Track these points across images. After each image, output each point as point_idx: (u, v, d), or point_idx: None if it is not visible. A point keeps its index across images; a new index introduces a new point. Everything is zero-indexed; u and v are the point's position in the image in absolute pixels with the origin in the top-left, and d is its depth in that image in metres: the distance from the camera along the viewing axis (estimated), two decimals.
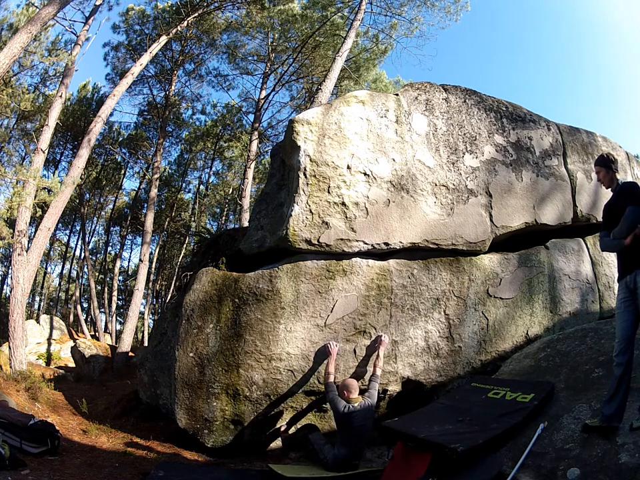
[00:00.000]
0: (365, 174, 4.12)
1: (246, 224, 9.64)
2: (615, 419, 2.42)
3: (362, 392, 3.73)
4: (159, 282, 22.91)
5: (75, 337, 13.57)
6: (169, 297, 18.62)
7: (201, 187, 20.53)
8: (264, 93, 13.22)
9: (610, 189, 2.89)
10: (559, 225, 5.13)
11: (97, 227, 22.43)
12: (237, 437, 3.85)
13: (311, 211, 3.90)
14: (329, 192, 3.98)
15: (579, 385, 3.09)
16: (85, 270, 19.01)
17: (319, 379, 3.85)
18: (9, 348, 6.54)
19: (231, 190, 20.22)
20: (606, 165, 2.83)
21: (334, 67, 8.82)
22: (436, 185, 4.42)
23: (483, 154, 4.79)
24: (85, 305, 23.96)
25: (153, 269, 19.38)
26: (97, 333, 15.68)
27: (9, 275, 15.84)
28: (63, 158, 16.63)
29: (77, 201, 16.66)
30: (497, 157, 4.86)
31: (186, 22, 10.78)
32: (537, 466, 2.49)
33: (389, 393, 4.08)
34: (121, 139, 17.42)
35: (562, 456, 2.47)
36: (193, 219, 19.26)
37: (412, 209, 4.24)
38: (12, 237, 6.60)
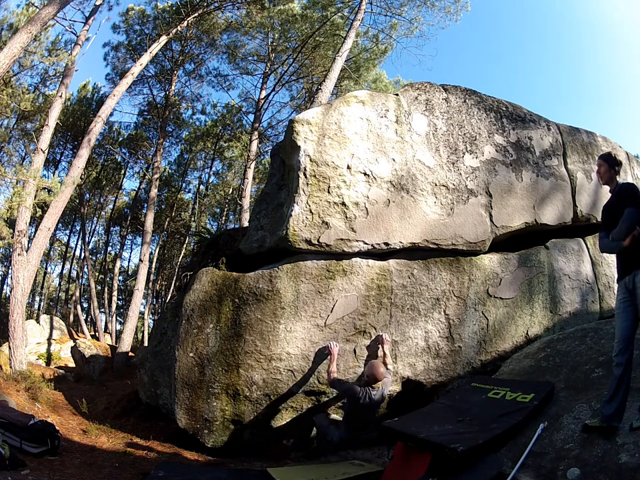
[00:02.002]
0: (365, 174, 4.12)
1: (246, 224, 9.64)
2: (615, 419, 2.42)
3: None
4: (158, 282, 22.90)
5: (75, 336, 13.57)
6: (168, 297, 18.62)
7: (201, 187, 20.56)
8: (264, 93, 13.23)
9: (608, 189, 2.89)
10: (559, 225, 5.13)
11: (97, 227, 22.47)
12: (237, 437, 3.85)
13: (310, 211, 3.90)
14: (328, 192, 3.98)
15: (579, 385, 3.09)
16: (85, 270, 19.02)
17: (319, 379, 3.85)
18: (9, 348, 6.54)
19: (231, 190, 20.22)
20: (609, 162, 2.83)
21: (334, 67, 8.82)
22: (436, 185, 4.42)
23: (483, 154, 4.79)
24: (85, 305, 23.96)
25: (153, 269, 19.37)
26: (97, 333, 15.67)
27: (9, 275, 15.84)
28: (62, 158, 16.66)
29: (77, 201, 16.66)
30: (497, 156, 4.86)
31: (186, 22, 10.78)
32: (537, 466, 2.49)
33: (389, 393, 4.08)
34: (121, 139, 17.42)
35: (562, 456, 2.47)
36: (193, 218, 19.25)
37: (412, 209, 4.24)
38: (12, 237, 6.60)
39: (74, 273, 22.75)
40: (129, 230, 20.33)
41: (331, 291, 3.94)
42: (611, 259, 5.23)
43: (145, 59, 9.97)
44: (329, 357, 3.80)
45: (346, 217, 3.98)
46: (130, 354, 10.83)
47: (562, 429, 2.68)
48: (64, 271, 23.38)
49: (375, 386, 3.60)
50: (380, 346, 3.95)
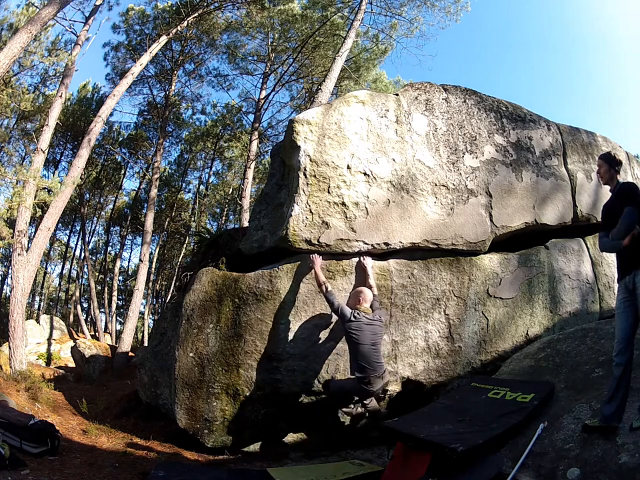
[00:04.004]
0: (365, 174, 4.12)
1: (246, 224, 9.63)
2: (615, 419, 2.42)
3: None
4: (158, 282, 22.90)
5: (75, 337, 13.57)
6: (168, 297, 18.61)
7: (201, 187, 20.55)
8: (264, 93, 13.23)
9: (609, 189, 2.89)
10: (559, 225, 5.12)
11: (97, 227, 22.42)
12: (237, 437, 3.85)
13: (310, 211, 3.90)
14: (328, 192, 3.97)
15: (579, 385, 3.09)
16: (85, 270, 19.01)
17: (319, 379, 3.85)
18: (9, 348, 6.54)
19: (231, 190, 20.22)
20: (610, 162, 2.83)
21: (334, 66, 8.81)
22: (436, 185, 4.42)
23: (483, 154, 4.79)
24: (85, 305, 23.95)
25: (153, 269, 19.37)
26: (97, 333, 15.67)
27: (9, 275, 15.84)
28: (63, 158, 16.64)
29: (77, 201, 16.65)
30: (497, 156, 4.85)
31: (186, 22, 10.78)
32: (536, 466, 2.49)
33: (389, 393, 4.08)
34: (121, 139, 17.43)
35: (562, 456, 2.47)
36: (193, 219, 19.25)
37: (412, 209, 4.24)
38: (12, 237, 6.60)
39: (74, 273, 22.76)
40: (129, 230, 20.32)
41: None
42: (611, 258, 5.22)
43: (145, 59, 9.97)
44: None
45: (346, 217, 3.98)
46: (130, 354, 10.82)
47: (562, 429, 2.68)
48: (64, 271, 23.41)
49: (365, 311, 3.58)
50: (364, 268, 3.94)
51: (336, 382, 3.76)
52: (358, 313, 3.54)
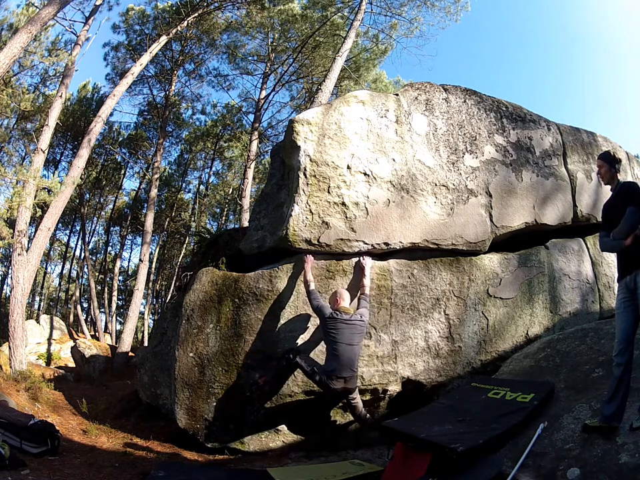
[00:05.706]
0: (365, 174, 4.12)
1: (246, 224, 9.63)
2: (615, 419, 2.42)
3: None
4: (158, 282, 22.91)
5: (75, 337, 13.57)
6: (168, 297, 18.62)
7: (201, 187, 20.56)
8: (264, 93, 13.23)
9: (609, 188, 2.88)
10: (559, 225, 5.12)
11: (97, 227, 22.42)
12: (237, 437, 3.85)
13: (310, 211, 3.90)
14: (328, 192, 3.97)
15: (579, 385, 3.09)
16: (85, 270, 19.02)
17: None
18: (9, 348, 6.55)
19: (231, 190, 20.23)
20: (609, 161, 2.82)
21: (334, 66, 8.82)
22: (436, 185, 4.42)
23: (483, 154, 4.79)
24: (85, 305, 23.95)
25: (153, 269, 19.38)
26: (97, 333, 15.67)
27: (9, 275, 15.84)
28: (63, 158, 16.65)
29: (77, 201, 16.65)
30: (497, 157, 4.85)
31: (186, 22, 10.78)
32: (537, 466, 2.49)
33: (389, 393, 4.08)
34: (121, 139, 17.44)
35: (562, 456, 2.47)
36: (193, 219, 19.25)
37: (412, 209, 4.24)
38: (12, 237, 6.60)
39: (74, 273, 22.77)
40: (129, 230, 20.32)
41: (331, 291, 3.94)
42: (611, 258, 5.22)
43: (145, 59, 9.98)
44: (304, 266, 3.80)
45: (346, 217, 3.98)
46: (130, 354, 10.81)
47: (562, 429, 2.68)
48: (64, 271, 23.40)
49: (345, 310, 3.59)
50: (362, 267, 3.93)
51: (309, 358, 3.72)
52: (337, 313, 3.56)
